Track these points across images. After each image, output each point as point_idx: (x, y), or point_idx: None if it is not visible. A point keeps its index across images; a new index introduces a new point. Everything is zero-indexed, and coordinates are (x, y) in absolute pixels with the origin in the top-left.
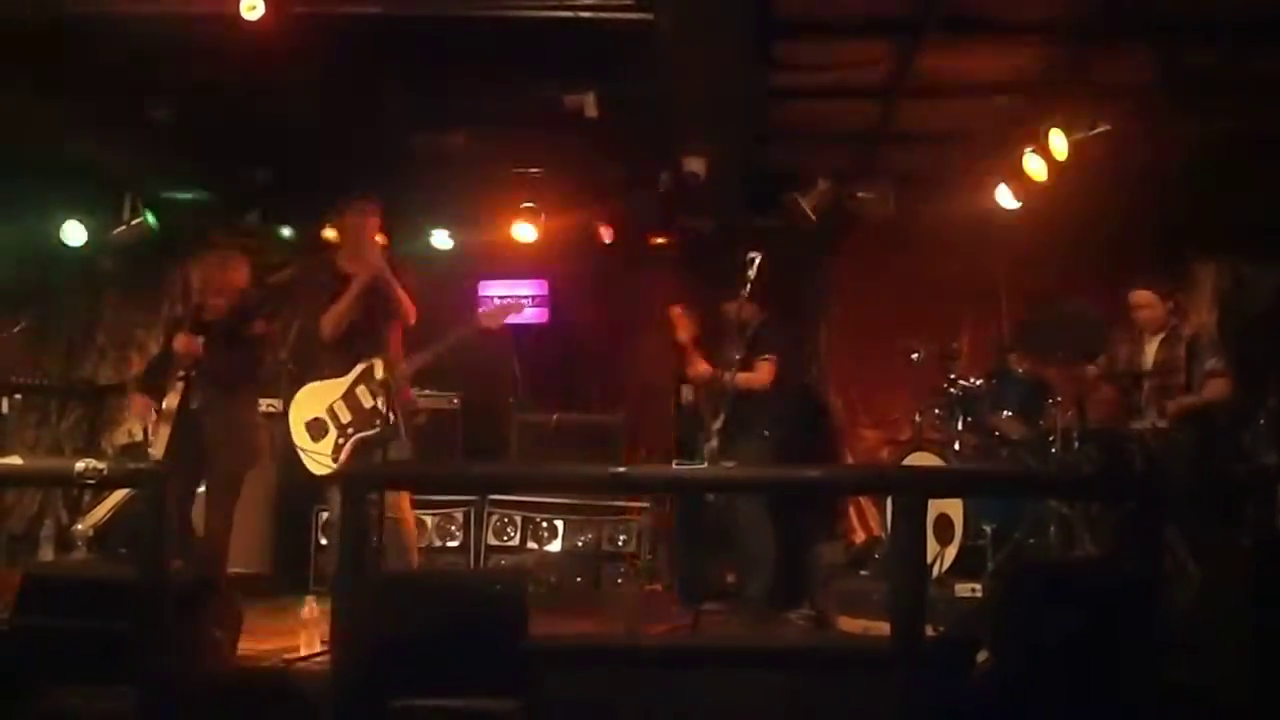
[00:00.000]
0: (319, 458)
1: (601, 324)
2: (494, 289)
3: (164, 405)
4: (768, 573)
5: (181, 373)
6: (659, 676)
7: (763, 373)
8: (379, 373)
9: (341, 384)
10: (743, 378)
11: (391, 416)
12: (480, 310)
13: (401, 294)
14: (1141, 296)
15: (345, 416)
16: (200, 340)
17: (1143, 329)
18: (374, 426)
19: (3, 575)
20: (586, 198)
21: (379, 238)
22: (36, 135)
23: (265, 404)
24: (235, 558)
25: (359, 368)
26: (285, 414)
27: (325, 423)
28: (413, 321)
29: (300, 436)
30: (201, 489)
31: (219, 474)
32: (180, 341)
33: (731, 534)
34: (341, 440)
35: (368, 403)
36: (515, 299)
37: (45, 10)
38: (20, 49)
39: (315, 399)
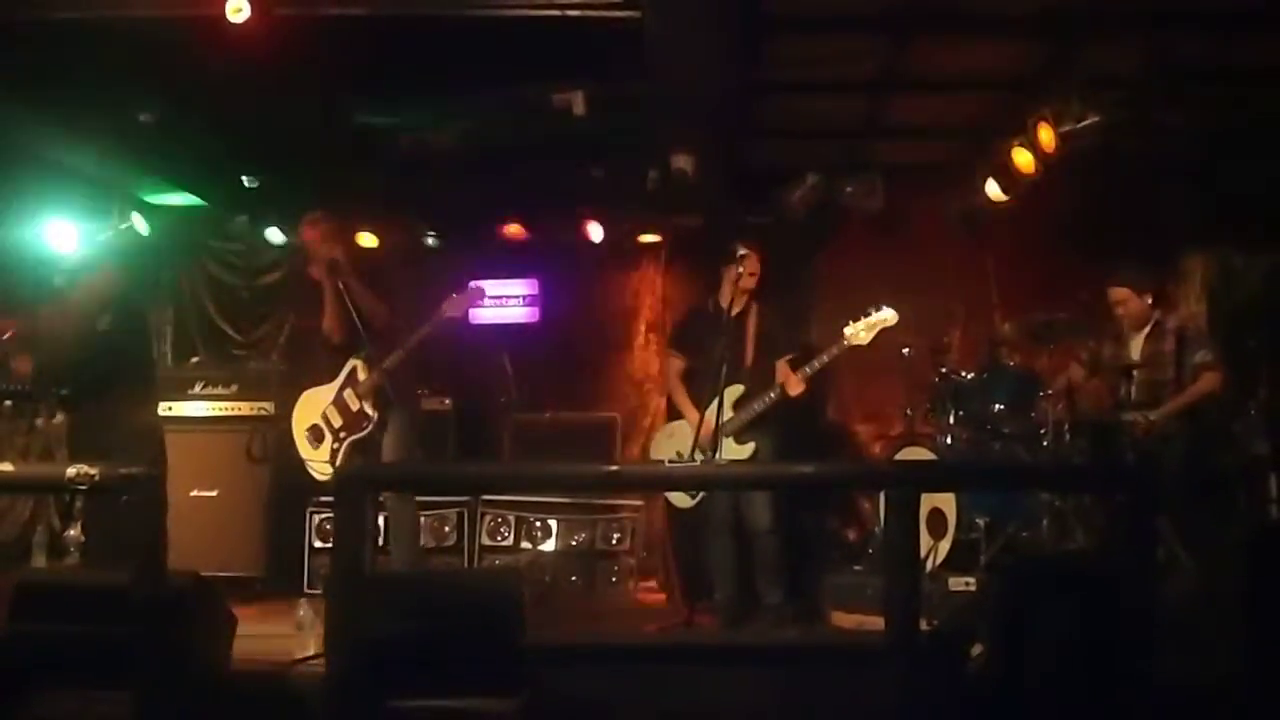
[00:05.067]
0: (319, 465)
1: (592, 322)
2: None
3: None
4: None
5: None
6: (655, 674)
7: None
8: (361, 374)
9: (332, 389)
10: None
11: (375, 415)
12: (444, 301)
13: (362, 297)
14: (1119, 293)
15: (337, 421)
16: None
17: (1124, 323)
18: (363, 429)
19: None
20: (575, 196)
21: (336, 247)
22: (24, 140)
23: (255, 407)
24: (229, 560)
25: (345, 371)
26: (274, 416)
27: (321, 429)
28: (380, 324)
29: (303, 446)
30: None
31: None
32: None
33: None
34: (336, 445)
35: (355, 405)
36: (476, 288)
37: (33, 13)
38: (7, 52)
39: (311, 406)
